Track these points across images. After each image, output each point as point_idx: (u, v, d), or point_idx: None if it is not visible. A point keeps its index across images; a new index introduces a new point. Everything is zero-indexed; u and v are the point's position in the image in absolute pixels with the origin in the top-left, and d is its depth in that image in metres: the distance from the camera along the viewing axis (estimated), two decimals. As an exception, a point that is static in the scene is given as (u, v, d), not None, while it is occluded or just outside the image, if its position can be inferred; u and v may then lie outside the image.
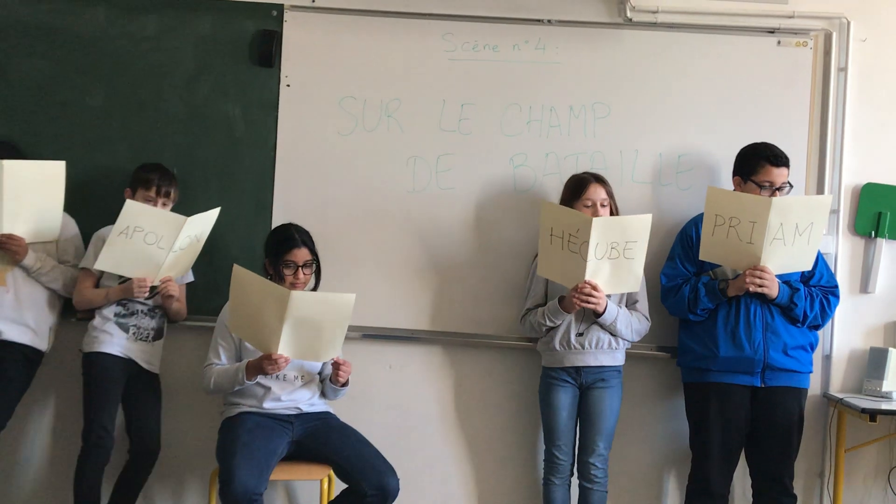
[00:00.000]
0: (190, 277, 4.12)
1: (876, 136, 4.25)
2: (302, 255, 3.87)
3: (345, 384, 3.86)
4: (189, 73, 4.28)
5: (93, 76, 4.28)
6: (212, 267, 4.15)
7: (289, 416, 3.87)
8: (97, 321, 3.96)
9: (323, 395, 3.95)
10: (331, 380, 3.87)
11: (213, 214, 3.92)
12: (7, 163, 3.77)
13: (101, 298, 3.95)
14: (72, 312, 4.10)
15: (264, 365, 3.64)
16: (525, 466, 4.27)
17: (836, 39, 4.24)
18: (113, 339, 3.94)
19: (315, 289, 3.98)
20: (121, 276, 3.93)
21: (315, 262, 3.93)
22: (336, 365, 3.79)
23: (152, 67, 4.28)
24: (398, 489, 3.71)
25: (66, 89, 4.28)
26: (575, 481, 3.98)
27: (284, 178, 4.27)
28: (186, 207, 4.08)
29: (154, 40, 4.29)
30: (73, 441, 3.91)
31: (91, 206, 4.09)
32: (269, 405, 3.85)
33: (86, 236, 4.09)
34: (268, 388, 3.84)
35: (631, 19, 4.24)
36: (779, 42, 4.23)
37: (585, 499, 3.93)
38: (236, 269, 3.60)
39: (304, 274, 3.87)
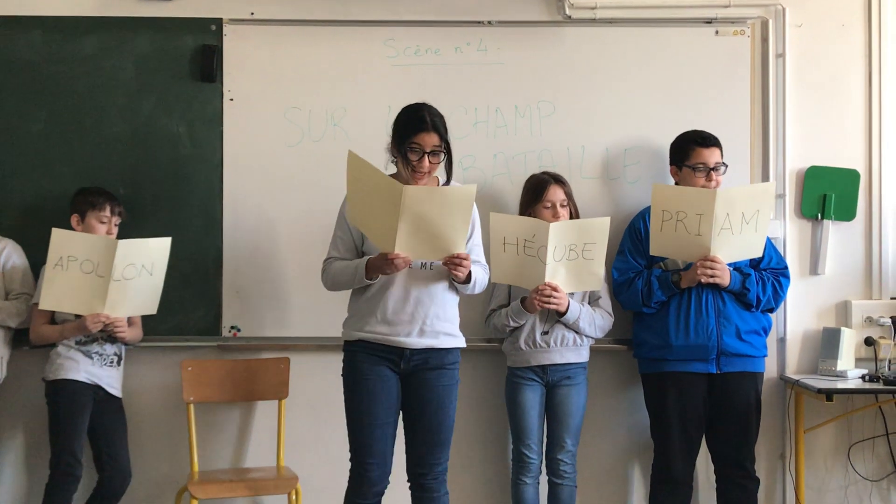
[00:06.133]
0: (152, 311, 3.93)
1: (817, 120, 4.31)
2: (431, 140, 3.44)
3: (467, 280, 3.50)
4: (130, 93, 4.24)
5: (32, 100, 4.22)
6: (163, 287, 4.11)
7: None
8: (60, 349, 3.92)
9: None
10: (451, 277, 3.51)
11: (159, 243, 3.83)
12: None
13: (57, 335, 3.92)
14: (23, 342, 4.04)
15: (383, 265, 3.37)
16: (493, 468, 4.28)
17: (772, 26, 4.29)
18: (79, 366, 3.90)
19: (448, 184, 3.61)
20: None
21: (446, 152, 3.51)
22: (450, 260, 3.42)
23: (93, 88, 4.23)
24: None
25: (5, 115, 4.22)
26: (543, 478, 4.00)
27: (233, 193, 4.24)
28: (135, 227, 4.06)
29: (93, 61, 4.23)
30: (39, 471, 3.87)
31: (36, 231, 4.01)
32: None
33: (32, 260, 4.05)
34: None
35: (570, 17, 4.27)
36: (716, 32, 4.28)
37: (555, 495, 3.96)
38: (351, 154, 3.35)
39: (430, 162, 3.46)
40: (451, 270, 3.44)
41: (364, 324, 3.52)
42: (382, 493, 3.56)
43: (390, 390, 3.50)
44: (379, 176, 3.33)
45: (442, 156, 3.50)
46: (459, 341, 3.59)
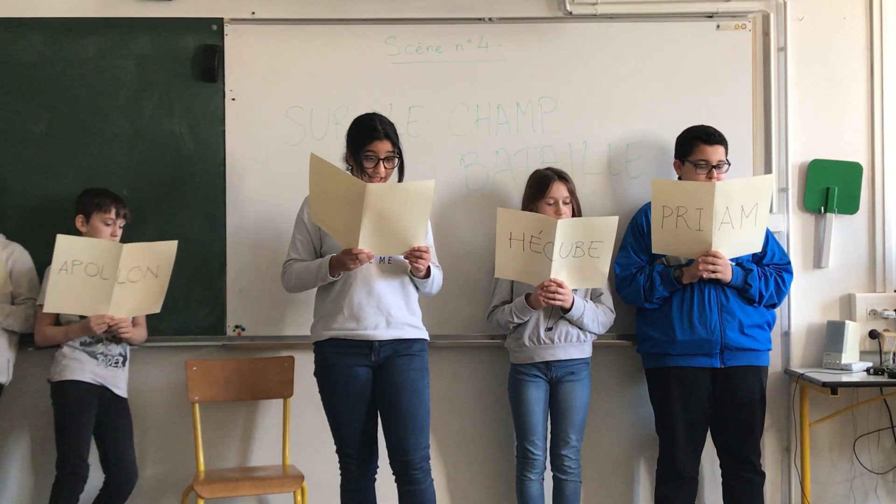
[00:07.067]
0: (156, 310, 3.95)
1: (819, 113, 4.31)
2: (384, 147, 3.64)
3: (427, 275, 3.65)
4: (132, 93, 4.24)
5: (34, 102, 4.22)
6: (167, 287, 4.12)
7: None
8: (65, 350, 3.92)
9: None
10: (411, 272, 3.67)
11: (165, 246, 3.84)
12: None
13: (62, 336, 3.92)
14: (28, 343, 4.04)
15: (346, 261, 3.52)
16: (497, 464, 4.28)
17: (773, 20, 4.29)
18: (84, 367, 3.90)
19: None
20: None
21: (398, 157, 3.69)
22: (411, 253, 3.57)
23: (94, 89, 4.24)
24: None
25: (8, 116, 4.22)
26: (548, 474, 4.00)
27: (236, 193, 4.24)
28: (139, 228, 4.07)
29: (94, 62, 4.24)
30: (45, 472, 3.87)
31: (39, 232, 4.03)
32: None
33: (36, 261, 4.05)
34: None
35: (571, 12, 4.27)
36: (718, 26, 4.28)
37: (560, 490, 3.96)
38: (313, 157, 3.49)
39: (384, 168, 3.65)
40: (413, 263, 3.58)
41: (332, 322, 3.64)
42: (374, 478, 3.70)
43: (364, 384, 3.63)
44: (342, 175, 3.48)
45: (396, 160, 3.67)
46: (423, 333, 3.73)
